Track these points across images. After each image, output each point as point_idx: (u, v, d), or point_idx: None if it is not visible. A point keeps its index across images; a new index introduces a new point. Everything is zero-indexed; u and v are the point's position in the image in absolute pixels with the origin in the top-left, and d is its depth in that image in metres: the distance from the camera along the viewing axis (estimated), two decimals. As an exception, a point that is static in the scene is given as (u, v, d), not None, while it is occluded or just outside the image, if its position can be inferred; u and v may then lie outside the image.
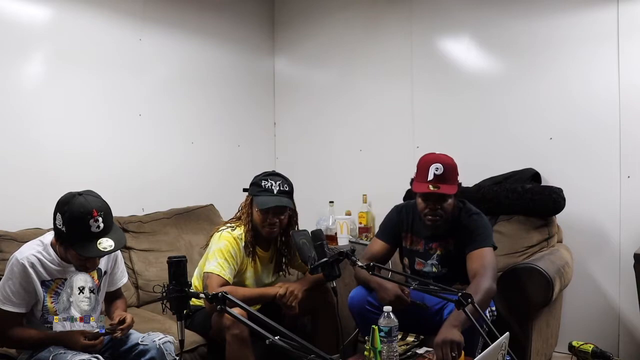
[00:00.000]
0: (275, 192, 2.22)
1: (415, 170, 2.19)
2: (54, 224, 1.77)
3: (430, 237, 2.25)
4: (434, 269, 2.25)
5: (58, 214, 1.75)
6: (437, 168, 2.08)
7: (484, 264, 2.03)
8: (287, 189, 2.25)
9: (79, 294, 1.88)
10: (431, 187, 2.06)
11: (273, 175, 2.28)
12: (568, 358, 2.39)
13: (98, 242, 1.73)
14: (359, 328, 2.32)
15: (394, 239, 2.35)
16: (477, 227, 2.15)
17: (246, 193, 2.33)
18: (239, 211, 2.36)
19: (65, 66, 2.71)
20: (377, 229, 3.34)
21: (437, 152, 2.20)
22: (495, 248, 2.15)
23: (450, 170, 2.11)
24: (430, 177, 2.08)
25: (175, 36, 3.24)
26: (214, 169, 3.46)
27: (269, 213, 2.21)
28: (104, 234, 1.75)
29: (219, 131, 3.52)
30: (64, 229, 1.73)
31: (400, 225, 2.34)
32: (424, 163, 2.14)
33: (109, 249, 1.74)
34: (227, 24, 3.57)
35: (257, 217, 2.24)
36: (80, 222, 1.71)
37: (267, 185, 2.23)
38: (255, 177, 2.31)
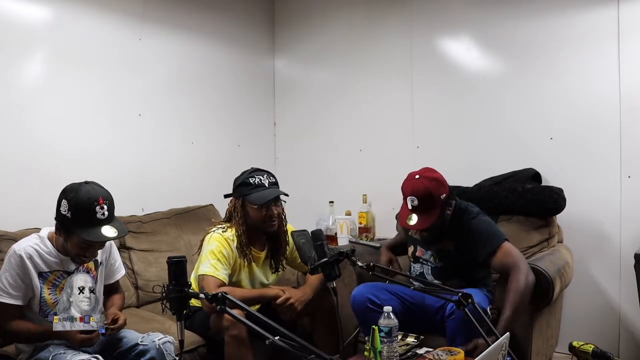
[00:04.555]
0: (267, 185, 2.23)
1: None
2: (58, 210, 1.79)
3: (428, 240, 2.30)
4: (432, 259, 2.30)
5: (64, 200, 1.78)
6: (413, 200, 2.13)
7: (514, 260, 2.06)
8: (274, 180, 2.28)
9: (78, 294, 1.88)
10: (407, 222, 2.14)
11: (256, 171, 2.27)
12: (568, 358, 2.39)
13: (102, 228, 1.78)
14: (360, 327, 2.33)
15: (406, 229, 2.36)
16: (485, 229, 2.16)
17: (229, 199, 2.32)
18: (226, 215, 2.34)
19: (65, 66, 2.70)
20: (377, 229, 3.39)
21: (417, 175, 2.17)
22: (507, 240, 2.16)
23: (426, 199, 2.11)
24: (409, 206, 2.15)
25: (175, 36, 3.24)
26: (214, 169, 3.45)
27: (269, 206, 2.21)
28: (107, 222, 1.80)
29: (219, 131, 3.52)
30: (68, 214, 1.76)
31: None
32: (404, 191, 2.20)
33: (113, 235, 1.79)
34: (227, 24, 3.57)
35: (256, 215, 2.22)
36: (86, 208, 1.76)
37: (256, 182, 2.22)
38: (237, 179, 2.29)
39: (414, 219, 2.12)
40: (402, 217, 2.19)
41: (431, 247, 2.30)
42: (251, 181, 2.23)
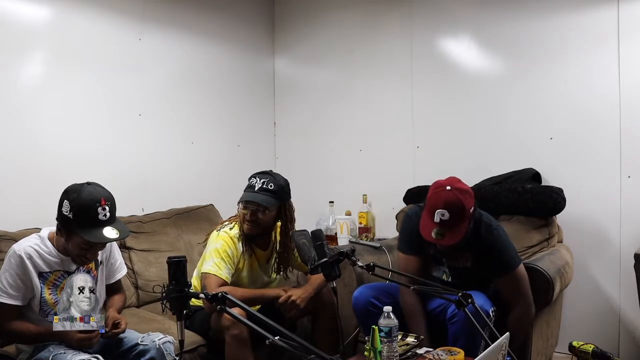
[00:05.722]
0: (256, 188, 2.21)
1: (426, 200, 2.07)
2: (59, 211, 1.79)
3: (444, 251, 2.17)
4: (445, 276, 2.22)
5: (65, 200, 1.78)
6: (443, 214, 1.95)
7: (523, 291, 2.07)
8: (271, 188, 2.20)
9: (79, 294, 1.88)
10: (433, 235, 1.97)
11: (264, 173, 2.27)
12: (568, 358, 2.38)
13: (104, 229, 1.77)
14: (360, 328, 2.32)
15: (421, 247, 2.19)
16: (503, 247, 2.08)
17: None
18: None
19: (64, 66, 2.70)
20: (377, 229, 3.39)
21: (448, 185, 2.00)
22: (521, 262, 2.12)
23: (457, 213, 1.96)
24: (437, 219, 1.97)
25: (175, 36, 3.23)
26: (213, 169, 3.46)
27: (246, 209, 2.21)
28: (109, 223, 1.80)
29: (219, 131, 3.52)
30: (70, 215, 1.76)
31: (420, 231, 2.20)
32: (432, 202, 2.00)
33: (115, 236, 1.79)
34: (227, 24, 3.57)
35: (240, 212, 2.26)
36: (88, 209, 1.75)
37: (252, 182, 2.24)
38: None
39: (440, 234, 1.96)
40: (425, 229, 2.01)
41: (444, 263, 2.21)
42: (250, 180, 2.26)
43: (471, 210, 2.01)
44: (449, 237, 1.97)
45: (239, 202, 2.25)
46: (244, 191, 2.25)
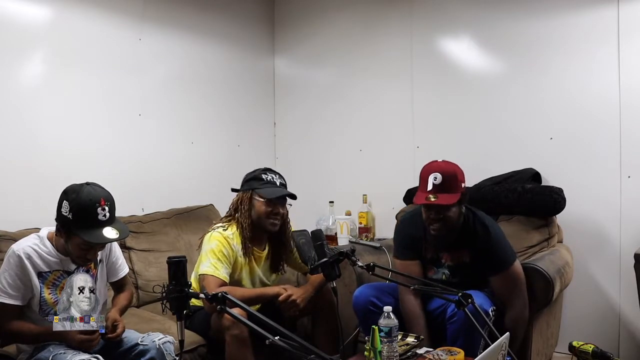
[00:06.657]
0: (277, 184, 2.28)
1: (418, 180, 2.14)
2: (59, 211, 1.79)
3: (441, 246, 2.20)
4: (444, 277, 2.22)
5: (65, 201, 1.78)
6: (436, 177, 2.02)
7: (518, 289, 2.08)
8: (285, 183, 2.33)
9: (79, 294, 1.88)
10: (429, 198, 2.02)
11: (269, 170, 2.33)
12: (568, 358, 2.38)
13: (103, 230, 1.77)
14: (360, 327, 2.32)
15: (418, 250, 2.24)
16: (498, 245, 2.10)
17: (235, 193, 2.34)
18: (229, 210, 2.35)
19: (64, 66, 2.70)
20: (377, 229, 3.39)
21: (439, 160, 2.14)
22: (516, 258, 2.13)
23: (450, 179, 2.04)
24: (430, 187, 2.03)
25: (175, 36, 3.24)
26: (213, 169, 3.46)
27: (276, 203, 2.23)
28: (108, 223, 1.80)
29: (219, 131, 3.52)
30: (70, 216, 1.75)
31: (416, 235, 2.24)
32: (424, 173, 2.09)
33: (114, 236, 1.79)
34: (227, 24, 3.57)
35: (262, 209, 2.23)
36: (88, 209, 1.75)
37: (268, 178, 2.27)
38: (248, 174, 2.33)
39: (434, 196, 2.01)
40: (418, 198, 2.06)
41: (443, 264, 2.22)
42: (263, 177, 2.28)
43: (463, 186, 2.07)
44: (442, 199, 2.01)
45: (271, 198, 2.21)
46: (264, 187, 2.24)
